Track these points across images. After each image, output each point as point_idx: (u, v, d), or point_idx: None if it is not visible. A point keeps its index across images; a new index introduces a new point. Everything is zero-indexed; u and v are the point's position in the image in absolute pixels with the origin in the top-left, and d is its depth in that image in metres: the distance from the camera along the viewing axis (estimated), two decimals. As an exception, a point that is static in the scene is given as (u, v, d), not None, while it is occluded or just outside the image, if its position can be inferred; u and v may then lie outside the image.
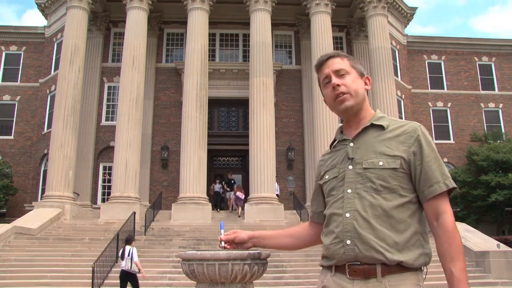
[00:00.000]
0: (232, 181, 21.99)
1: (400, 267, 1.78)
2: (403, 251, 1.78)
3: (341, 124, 2.14)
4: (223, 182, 22.27)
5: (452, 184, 1.85)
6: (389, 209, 1.81)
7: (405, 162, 1.86)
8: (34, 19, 78.82)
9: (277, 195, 20.19)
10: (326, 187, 2.01)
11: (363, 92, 2.03)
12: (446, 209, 1.83)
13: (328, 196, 2.00)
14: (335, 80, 1.99)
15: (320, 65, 2.07)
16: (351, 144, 1.97)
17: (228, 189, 21.71)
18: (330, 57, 2.05)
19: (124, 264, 10.31)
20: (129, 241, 10.75)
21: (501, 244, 15.66)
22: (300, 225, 2.28)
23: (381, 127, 1.95)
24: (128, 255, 10.27)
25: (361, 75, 2.05)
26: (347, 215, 1.85)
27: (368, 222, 1.80)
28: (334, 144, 2.09)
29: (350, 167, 1.92)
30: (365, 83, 2.06)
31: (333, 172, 1.99)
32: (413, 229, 1.83)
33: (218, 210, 20.75)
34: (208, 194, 20.14)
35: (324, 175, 2.05)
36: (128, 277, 10.40)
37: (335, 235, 1.87)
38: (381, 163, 1.86)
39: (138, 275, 10.46)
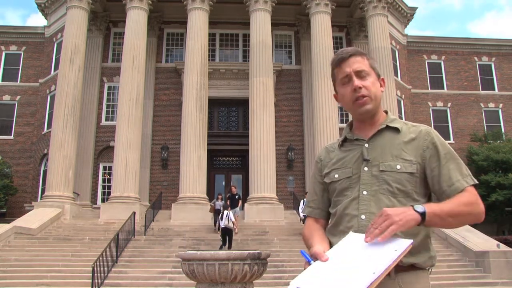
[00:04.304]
0: (237, 196, 18.15)
1: (412, 266, 1.82)
2: (415, 254, 1.81)
3: (349, 122, 2.11)
4: (227, 198, 18.31)
5: (474, 181, 1.85)
6: None
7: (420, 166, 1.88)
8: (39, 23, 79.54)
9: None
10: (337, 186, 1.98)
11: (380, 94, 1.98)
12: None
13: (338, 195, 1.97)
14: (357, 82, 1.92)
15: (340, 61, 1.98)
16: (366, 145, 1.95)
17: (230, 206, 17.07)
18: (351, 55, 1.97)
19: (224, 223, 14.46)
20: (226, 208, 15.49)
21: (501, 244, 15.63)
22: (317, 226, 2.09)
23: (396, 130, 1.95)
24: (226, 216, 14.56)
25: (378, 76, 2.01)
26: (363, 217, 1.85)
27: None
28: (343, 143, 2.04)
29: (366, 168, 1.90)
30: (381, 85, 2.01)
31: (346, 172, 1.96)
32: (424, 232, 1.86)
33: (218, 230, 16.45)
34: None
35: (331, 173, 2.01)
36: (226, 231, 14.49)
37: None
38: (398, 167, 1.86)
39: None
